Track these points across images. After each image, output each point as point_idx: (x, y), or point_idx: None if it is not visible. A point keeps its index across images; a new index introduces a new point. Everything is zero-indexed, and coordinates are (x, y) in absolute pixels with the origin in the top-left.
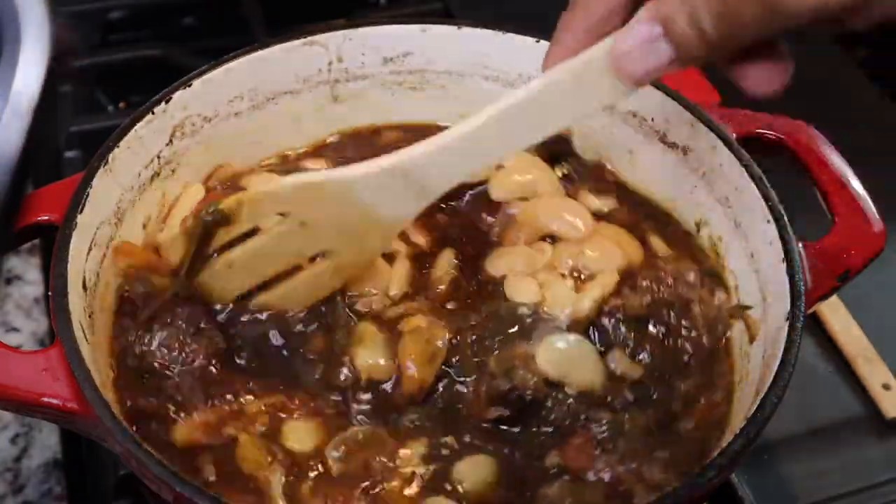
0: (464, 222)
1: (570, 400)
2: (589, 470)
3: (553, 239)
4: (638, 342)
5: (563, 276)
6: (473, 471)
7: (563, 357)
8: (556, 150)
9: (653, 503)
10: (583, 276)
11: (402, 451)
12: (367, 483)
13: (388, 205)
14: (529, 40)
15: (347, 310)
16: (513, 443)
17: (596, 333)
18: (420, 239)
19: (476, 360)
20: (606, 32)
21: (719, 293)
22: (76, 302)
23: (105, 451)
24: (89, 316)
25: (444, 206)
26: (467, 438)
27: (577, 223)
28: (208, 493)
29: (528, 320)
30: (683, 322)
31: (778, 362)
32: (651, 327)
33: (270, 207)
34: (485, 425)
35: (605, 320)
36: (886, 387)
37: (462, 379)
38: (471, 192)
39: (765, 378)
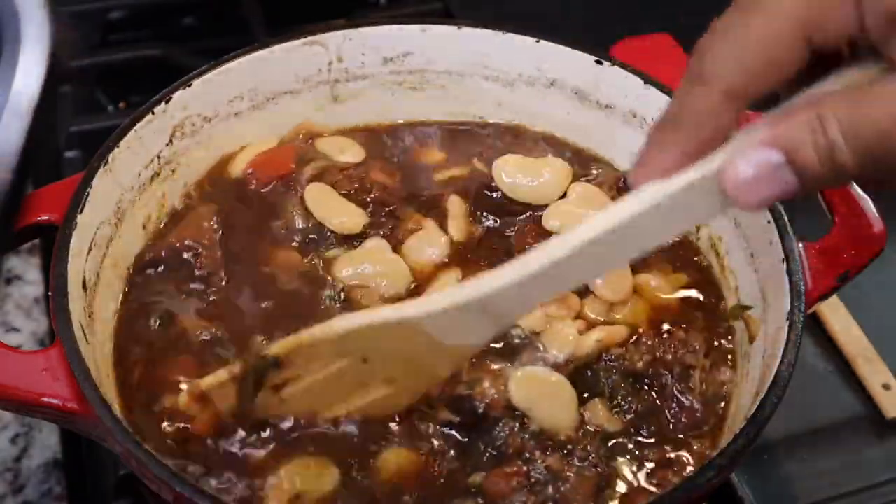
0: (508, 243)
1: (527, 434)
2: (505, 500)
3: (586, 286)
4: (627, 396)
5: (576, 318)
6: (390, 460)
7: (535, 389)
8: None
9: (653, 503)
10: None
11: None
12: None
13: (460, 335)
14: (529, 40)
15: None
16: (454, 452)
17: (587, 377)
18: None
19: None
20: (708, 153)
21: (725, 370)
22: (76, 302)
23: (105, 451)
24: (89, 316)
25: (497, 220)
26: (414, 430)
27: (617, 288)
28: (208, 493)
29: (517, 342)
30: (680, 386)
31: (778, 362)
32: (645, 386)
33: (328, 351)
34: (438, 427)
35: (600, 367)
36: (886, 387)
37: None
38: (529, 212)
39: (765, 378)
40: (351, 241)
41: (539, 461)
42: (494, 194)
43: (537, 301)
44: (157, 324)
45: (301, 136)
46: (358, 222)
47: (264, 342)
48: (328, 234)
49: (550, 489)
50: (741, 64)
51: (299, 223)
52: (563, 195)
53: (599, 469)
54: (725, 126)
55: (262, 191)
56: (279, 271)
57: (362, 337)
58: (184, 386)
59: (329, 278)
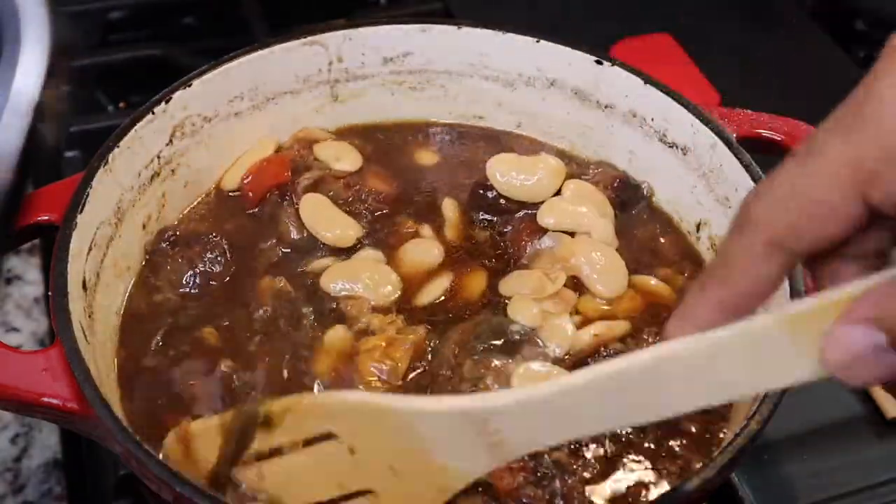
0: (504, 243)
1: None
2: (512, 495)
3: (578, 280)
4: None
5: (573, 313)
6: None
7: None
8: (629, 198)
9: (653, 502)
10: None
11: None
12: None
13: (453, 452)
14: (529, 40)
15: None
16: None
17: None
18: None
19: (455, 360)
20: (748, 310)
21: None
22: (76, 302)
23: (105, 451)
24: (89, 316)
25: (491, 218)
26: None
27: (612, 286)
28: (208, 493)
29: (517, 338)
30: None
31: None
32: None
33: (318, 422)
34: None
35: (599, 362)
36: None
37: (439, 373)
38: (525, 211)
39: None
40: (344, 251)
41: (546, 455)
42: (489, 193)
43: (543, 440)
44: (161, 341)
45: (298, 143)
46: (351, 235)
47: (257, 398)
48: (321, 245)
49: (557, 483)
50: (785, 213)
51: (294, 234)
52: (558, 192)
53: (605, 462)
54: (766, 278)
55: (258, 201)
56: (271, 284)
57: (355, 419)
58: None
59: (318, 290)
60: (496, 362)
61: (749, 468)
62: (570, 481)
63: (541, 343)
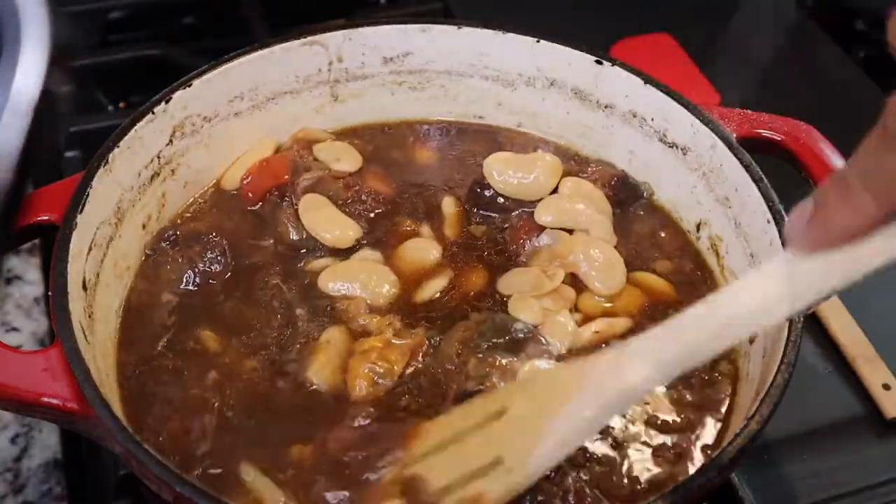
0: (501, 238)
1: None
2: (528, 491)
3: (577, 277)
4: None
5: (572, 309)
6: None
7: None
8: (627, 196)
9: (652, 502)
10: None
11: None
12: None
13: None
14: (529, 40)
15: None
16: None
17: None
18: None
19: (459, 359)
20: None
21: (726, 370)
22: (76, 302)
23: (105, 451)
24: (89, 316)
25: (492, 215)
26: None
27: (610, 283)
28: (208, 492)
29: (520, 336)
30: (681, 383)
31: (778, 362)
32: None
33: None
34: None
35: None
36: (886, 387)
37: (440, 369)
38: (523, 208)
39: (765, 378)
40: (343, 251)
41: None
42: (487, 192)
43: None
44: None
45: (297, 144)
46: (351, 236)
47: None
48: (320, 245)
49: (570, 479)
50: None
51: (293, 235)
52: (555, 190)
53: (613, 456)
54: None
55: (258, 201)
56: (269, 284)
57: None
58: None
59: (316, 290)
60: (502, 360)
61: (749, 468)
62: (582, 476)
63: (543, 340)
